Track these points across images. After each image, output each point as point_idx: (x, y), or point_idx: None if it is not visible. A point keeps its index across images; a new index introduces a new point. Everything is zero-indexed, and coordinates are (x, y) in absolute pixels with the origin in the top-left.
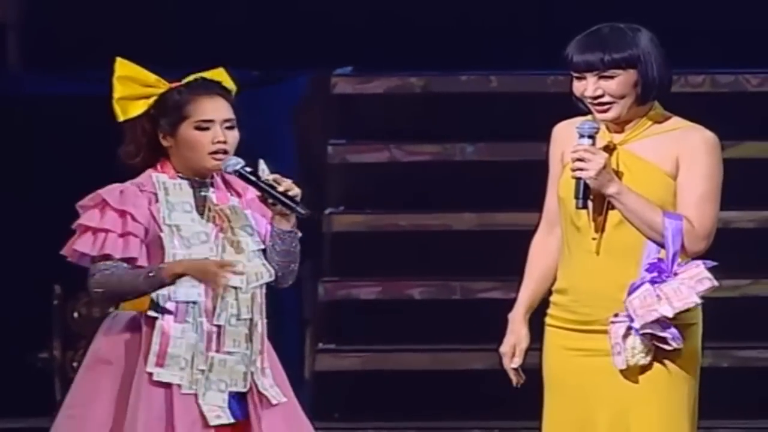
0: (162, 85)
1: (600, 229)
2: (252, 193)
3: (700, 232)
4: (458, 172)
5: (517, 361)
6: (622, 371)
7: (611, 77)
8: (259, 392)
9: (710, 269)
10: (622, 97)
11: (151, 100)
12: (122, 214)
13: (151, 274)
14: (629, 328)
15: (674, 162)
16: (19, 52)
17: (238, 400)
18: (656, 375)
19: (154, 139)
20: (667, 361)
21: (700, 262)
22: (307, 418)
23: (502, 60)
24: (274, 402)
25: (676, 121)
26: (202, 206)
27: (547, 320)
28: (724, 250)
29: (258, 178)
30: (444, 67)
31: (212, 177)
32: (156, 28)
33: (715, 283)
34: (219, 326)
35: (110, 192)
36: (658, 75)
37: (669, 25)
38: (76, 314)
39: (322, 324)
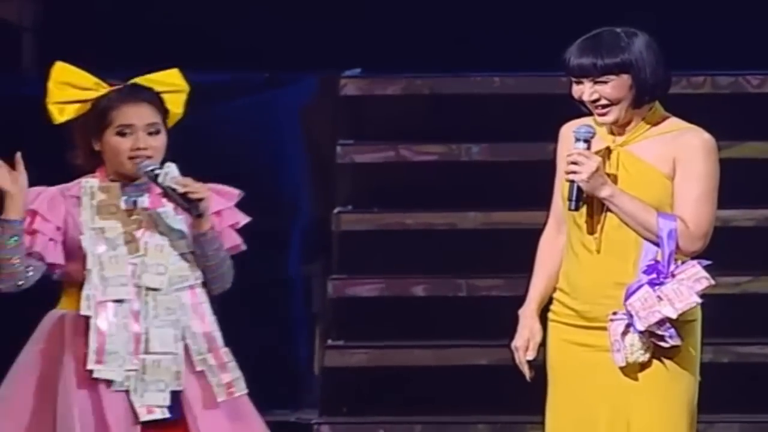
0: (101, 88)
1: (599, 228)
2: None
3: (696, 232)
4: (464, 172)
5: (531, 355)
6: (621, 368)
7: (605, 82)
8: (207, 390)
9: (708, 267)
10: (618, 100)
11: (88, 105)
12: (32, 213)
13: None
14: (628, 326)
15: (671, 163)
16: (34, 55)
17: (174, 400)
18: (656, 371)
19: (89, 142)
20: (666, 358)
21: (696, 261)
22: (260, 420)
23: (506, 62)
24: (219, 399)
25: (674, 123)
26: (130, 209)
27: (550, 315)
28: (725, 249)
29: (157, 178)
30: (450, 69)
31: (147, 181)
32: (167, 31)
33: (712, 281)
34: (147, 328)
35: (29, 193)
36: (652, 78)
37: (670, 28)
38: None
39: (330, 321)
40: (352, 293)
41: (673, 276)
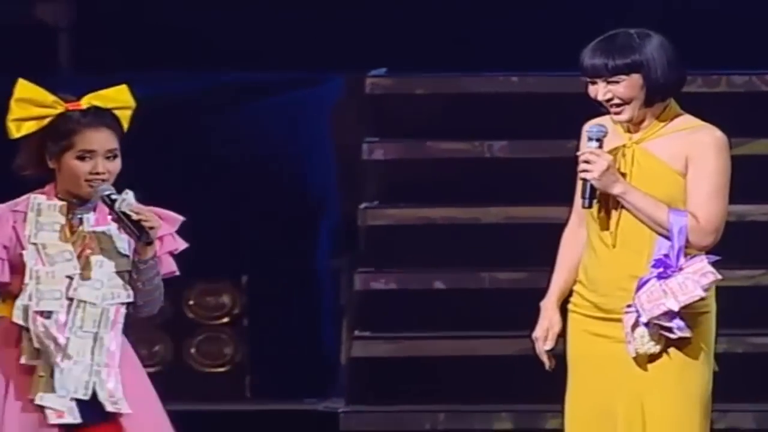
0: (59, 107)
1: (615, 223)
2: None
3: (707, 227)
4: (486, 168)
5: (549, 345)
6: (634, 358)
7: (617, 82)
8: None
9: (723, 260)
10: (631, 99)
11: (45, 121)
12: None
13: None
14: (638, 319)
15: (684, 160)
16: (71, 55)
17: (91, 406)
18: (668, 362)
19: (42, 158)
20: (678, 349)
21: (704, 256)
22: (170, 429)
23: (527, 62)
24: (108, 409)
25: (687, 121)
26: (74, 227)
27: (570, 307)
28: (739, 243)
29: (113, 204)
30: (472, 69)
31: (95, 201)
32: (199, 31)
33: (718, 276)
34: (68, 337)
35: None
36: (663, 78)
37: (687, 29)
38: None
39: (357, 313)
40: (378, 286)
41: (681, 270)
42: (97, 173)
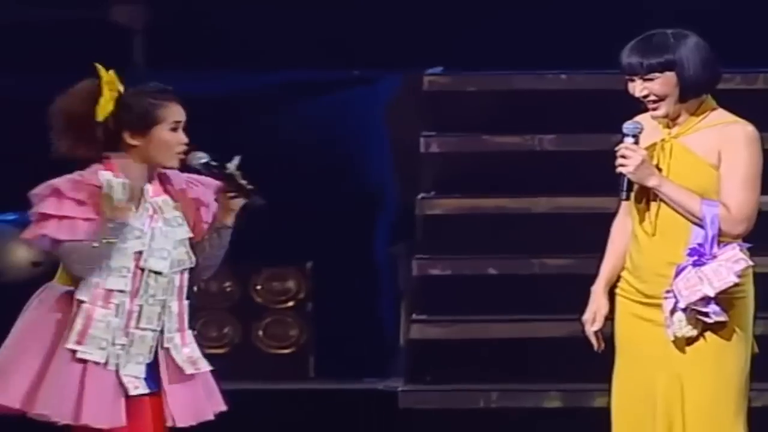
0: (119, 87)
1: (654, 214)
2: (191, 192)
3: (738, 216)
4: (536, 161)
5: (597, 326)
6: (673, 341)
7: (652, 79)
8: (175, 365)
9: (757, 248)
10: (666, 96)
11: (112, 103)
12: (79, 203)
13: (95, 245)
14: (676, 304)
15: (717, 154)
16: (144, 55)
17: (150, 373)
18: (705, 344)
19: (115, 136)
20: (715, 332)
21: (736, 244)
22: (219, 393)
23: (575, 60)
24: (189, 372)
25: (721, 116)
26: (138, 199)
27: (617, 291)
28: None
29: (225, 168)
30: (523, 67)
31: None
32: (261, 30)
33: (750, 262)
34: (140, 306)
35: (63, 182)
36: (696, 76)
37: (729, 30)
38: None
39: (415, 297)
40: (434, 272)
41: (715, 257)
42: (185, 143)
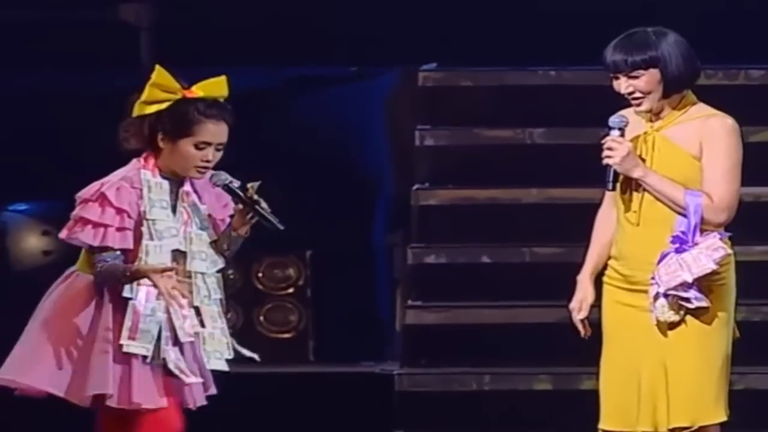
0: (179, 93)
1: (638, 203)
2: (208, 192)
3: (720, 205)
4: (526, 154)
5: (583, 314)
6: (657, 326)
7: (637, 76)
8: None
9: (740, 238)
10: (650, 92)
11: (164, 105)
12: (119, 211)
13: (127, 274)
14: (658, 290)
15: (699, 145)
16: (151, 53)
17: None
18: (687, 329)
19: (153, 134)
20: (697, 317)
21: (716, 233)
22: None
23: (563, 57)
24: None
25: (701, 109)
26: (174, 202)
27: (604, 279)
28: (756, 221)
29: (245, 194)
30: (514, 63)
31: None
32: (263, 28)
33: (729, 251)
34: (197, 307)
35: (109, 188)
36: (678, 71)
37: (710, 29)
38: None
39: (410, 284)
40: (429, 260)
41: (696, 245)
42: (208, 161)
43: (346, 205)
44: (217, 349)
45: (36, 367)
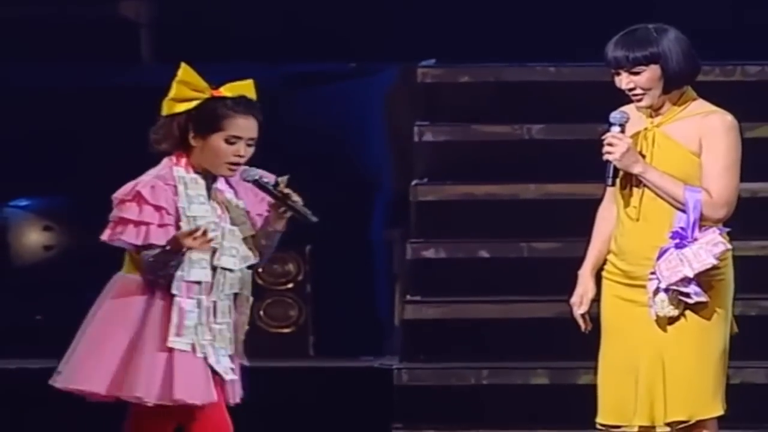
0: (207, 92)
1: (638, 199)
2: (244, 186)
3: (719, 201)
4: (525, 149)
5: (584, 308)
6: (656, 321)
7: (638, 72)
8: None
9: (737, 233)
10: (650, 88)
11: (193, 104)
12: (157, 208)
13: (167, 248)
14: (659, 285)
15: (698, 141)
16: (151, 49)
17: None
18: (686, 324)
19: (184, 134)
20: (696, 312)
21: (715, 228)
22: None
23: (562, 52)
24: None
25: (701, 105)
26: (211, 199)
27: (603, 274)
28: (754, 216)
29: (276, 189)
30: (513, 59)
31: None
32: (263, 24)
33: (729, 246)
34: (214, 302)
35: (144, 187)
36: (679, 68)
37: (707, 26)
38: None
39: (409, 279)
40: (428, 255)
41: (696, 241)
42: (240, 156)
43: (345, 200)
44: (224, 345)
45: (93, 373)
